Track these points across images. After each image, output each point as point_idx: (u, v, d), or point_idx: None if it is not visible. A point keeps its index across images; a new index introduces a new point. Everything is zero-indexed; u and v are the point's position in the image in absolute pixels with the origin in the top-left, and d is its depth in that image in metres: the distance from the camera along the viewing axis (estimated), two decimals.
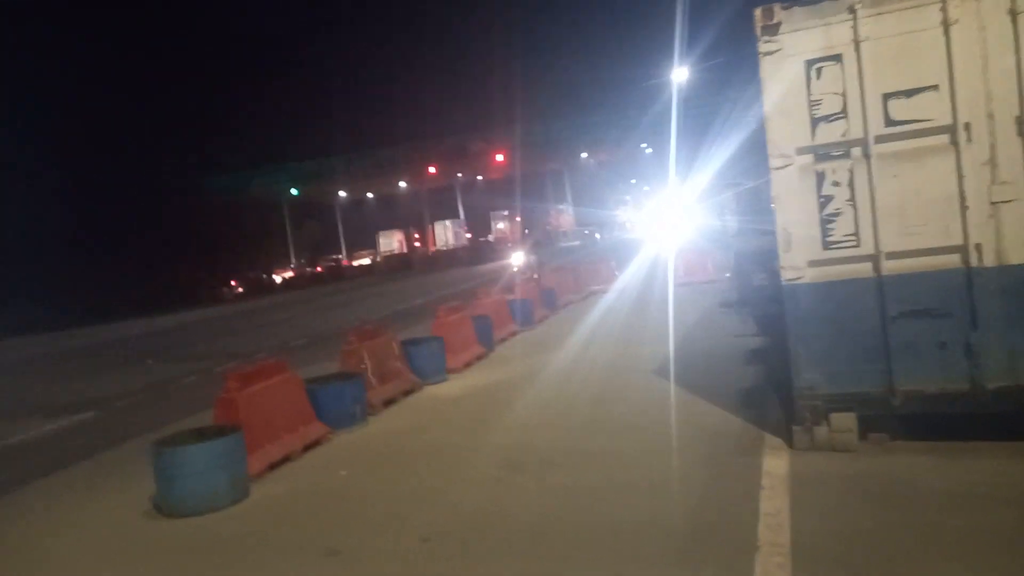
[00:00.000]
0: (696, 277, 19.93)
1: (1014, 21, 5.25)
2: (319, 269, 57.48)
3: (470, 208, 67.70)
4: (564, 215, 69.57)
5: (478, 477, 6.54)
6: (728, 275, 19.16)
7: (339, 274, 54.54)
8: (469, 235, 67.19)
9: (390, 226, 65.70)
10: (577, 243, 56.33)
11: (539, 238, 57.70)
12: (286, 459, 7.43)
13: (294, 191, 58.51)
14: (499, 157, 55.43)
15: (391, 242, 64.47)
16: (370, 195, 68.25)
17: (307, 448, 7.76)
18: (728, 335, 11.68)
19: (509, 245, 56.13)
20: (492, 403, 9.26)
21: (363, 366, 9.19)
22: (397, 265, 55.99)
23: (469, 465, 6.89)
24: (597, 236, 59.69)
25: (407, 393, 9.87)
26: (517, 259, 23.45)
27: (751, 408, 7.40)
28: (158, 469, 6.47)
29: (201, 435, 6.77)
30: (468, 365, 11.48)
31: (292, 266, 59.38)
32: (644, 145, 59.57)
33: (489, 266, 41.35)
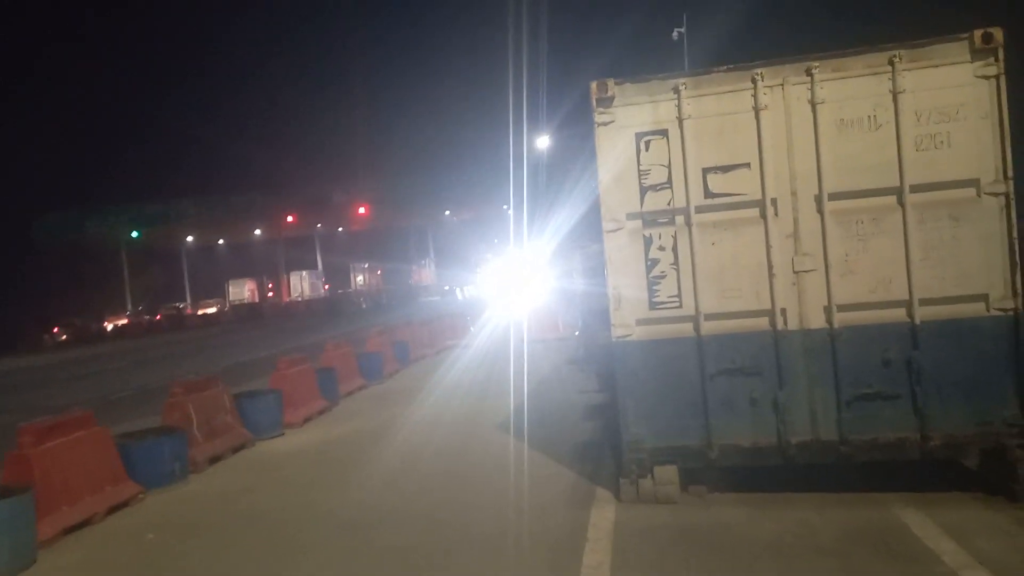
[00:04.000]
0: (547, 334, 20.41)
1: (814, 110, 5.87)
2: (158, 317, 53.50)
3: (329, 260, 66.12)
4: (425, 270, 69.56)
5: (301, 541, 6.15)
6: (577, 333, 19.75)
7: (181, 323, 50.99)
8: (327, 286, 65.39)
9: (242, 274, 62.72)
10: (437, 298, 56.30)
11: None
12: (87, 522, 6.68)
13: (135, 234, 54.57)
14: (362, 210, 54.88)
15: (242, 291, 61.44)
16: (222, 242, 65.03)
17: (113, 510, 7.02)
18: (573, 391, 11.96)
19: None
20: (327, 460, 8.87)
21: (188, 420, 8.53)
22: (247, 315, 53.26)
23: (292, 528, 6.48)
24: (458, 292, 59.99)
25: (237, 449, 9.25)
26: None
27: (586, 462, 7.54)
28: None
29: None
30: (308, 419, 10.98)
31: (128, 313, 54.92)
32: (506, 206, 61.18)
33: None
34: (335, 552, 5.86)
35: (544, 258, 31.86)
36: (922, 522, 5.38)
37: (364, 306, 52.82)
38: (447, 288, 61.82)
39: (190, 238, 60.14)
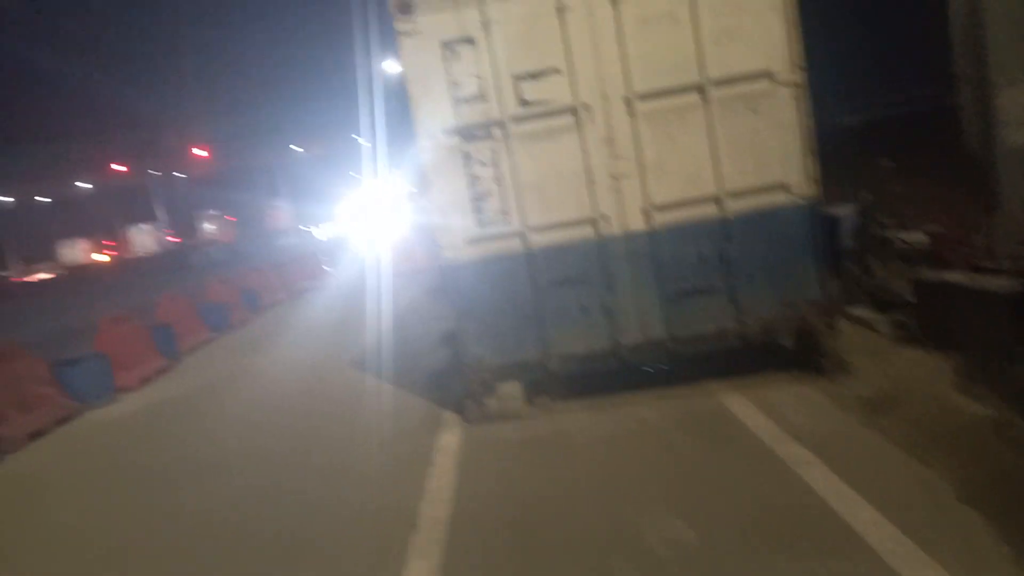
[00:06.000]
0: (407, 266, 20.11)
1: (615, 7, 5.74)
2: None
3: (174, 210, 61.52)
4: (280, 212, 66.35)
5: (128, 505, 5.78)
6: (434, 262, 19.56)
7: (4, 293, 46.10)
8: (178, 239, 61.05)
9: (74, 234, 57.27)
10: (294, 240, 54.11)
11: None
12: None
13: None
14: (198, 152, 51.08)
15: (75, 251, 56.27)
16: (42, 199, 58.77)
17: None
18: (430, 320, 11.84)
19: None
20: (169, 417, 8.37)
21: None
22: (83, 277, 48.92)
23: (121, 494, 6.08)
24: (316, 231, 57.85)
25: (62, 421, 8.49)
26: None
27: (437, 389, 7.50)
28: None
29: None
30: (147, 380, 10.24)
31: None
32: (356, 136, 58.87)
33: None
34: (186, 496, 5.65)
35: (402, 189, 31.14)
36: (743, 404, 5.71)
37: (216, 256, 49.86)
38: (304, 228, 59.47)
39: (3, 198, 54.00)
